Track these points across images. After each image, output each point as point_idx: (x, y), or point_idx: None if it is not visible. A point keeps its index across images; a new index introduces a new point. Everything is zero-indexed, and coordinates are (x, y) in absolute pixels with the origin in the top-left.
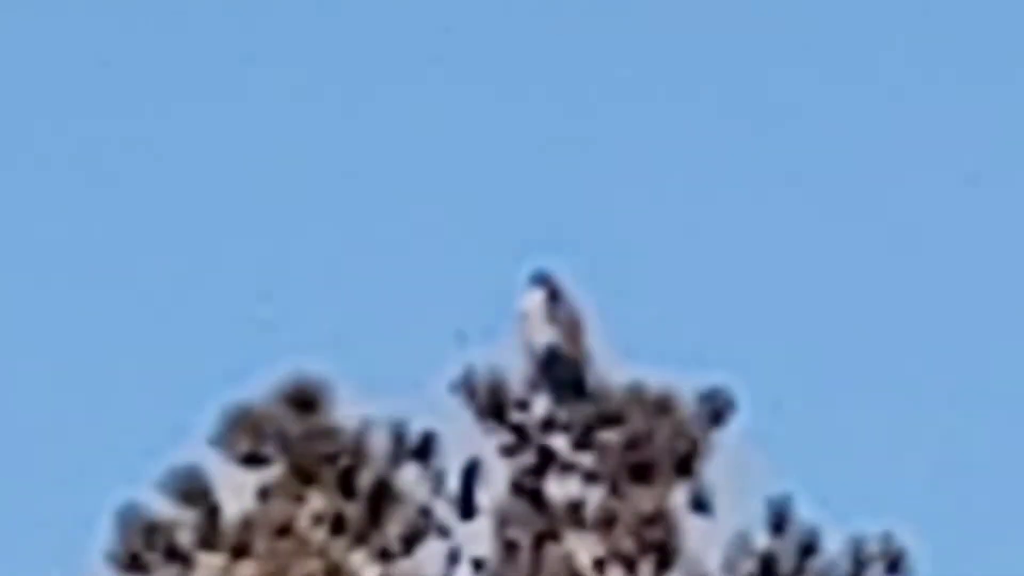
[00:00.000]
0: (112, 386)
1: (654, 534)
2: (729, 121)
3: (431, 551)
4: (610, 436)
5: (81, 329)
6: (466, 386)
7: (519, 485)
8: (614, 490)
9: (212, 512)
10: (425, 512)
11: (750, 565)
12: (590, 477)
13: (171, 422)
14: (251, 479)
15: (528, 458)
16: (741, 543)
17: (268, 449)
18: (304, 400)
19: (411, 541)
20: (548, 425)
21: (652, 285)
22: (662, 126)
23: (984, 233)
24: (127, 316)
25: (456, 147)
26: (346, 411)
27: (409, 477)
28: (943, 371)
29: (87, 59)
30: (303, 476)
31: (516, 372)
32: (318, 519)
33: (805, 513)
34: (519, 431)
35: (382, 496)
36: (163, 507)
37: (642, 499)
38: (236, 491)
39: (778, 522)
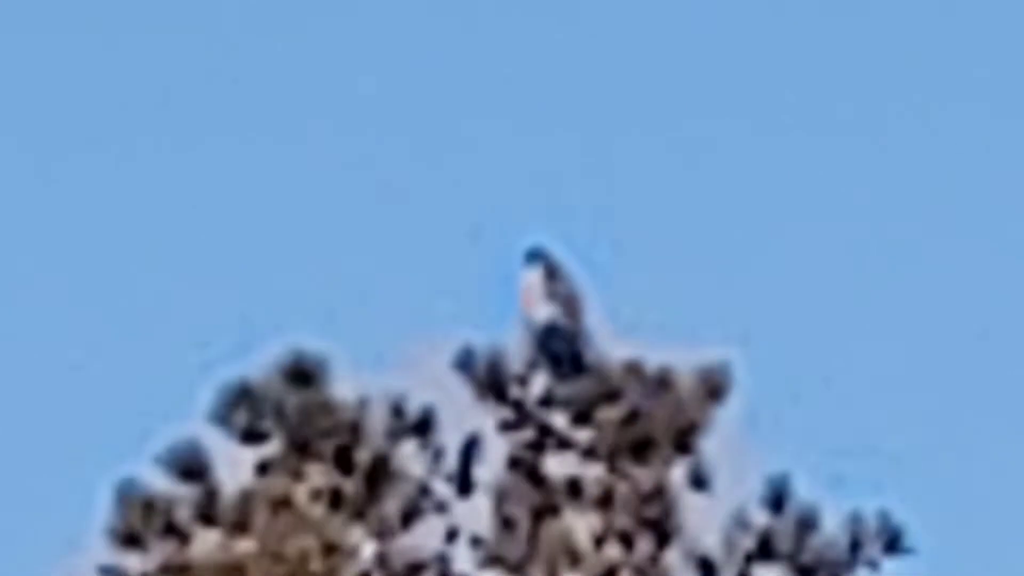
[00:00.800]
0: (111, 362)
1: (652, 511)
2: (726, 94)
3: (429, 527)
4: (609, 412)
5: (80, 305)
6: (465, 362)
7: (517, 461)
8: (612, 467)
9: (210, 488)
10: (423, 488)
11: (748, 542)
12: (589, 453)
13: (170, 398)
14: (249, 455)
15: (527, 434)
16: (739, 520)
17: (266, 425)
18: (303, 376)
19: (409, 517)
20: (547, 401)
21: (651, 261)
22: (659, 98)
23: (977, 209)
24: (126, 292)
25: (454, 121)
26: (345, 387)
27: (407, 453)
28: (942, 350)
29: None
30: (301, 452)
31: (515, 348)
32: (316, 495)
33: (803, 491)
34: (518, 407)
35: (380, 472)
36: (161, 483)
37: (640, 476)
38: (234, 467)
39: (777, 499)
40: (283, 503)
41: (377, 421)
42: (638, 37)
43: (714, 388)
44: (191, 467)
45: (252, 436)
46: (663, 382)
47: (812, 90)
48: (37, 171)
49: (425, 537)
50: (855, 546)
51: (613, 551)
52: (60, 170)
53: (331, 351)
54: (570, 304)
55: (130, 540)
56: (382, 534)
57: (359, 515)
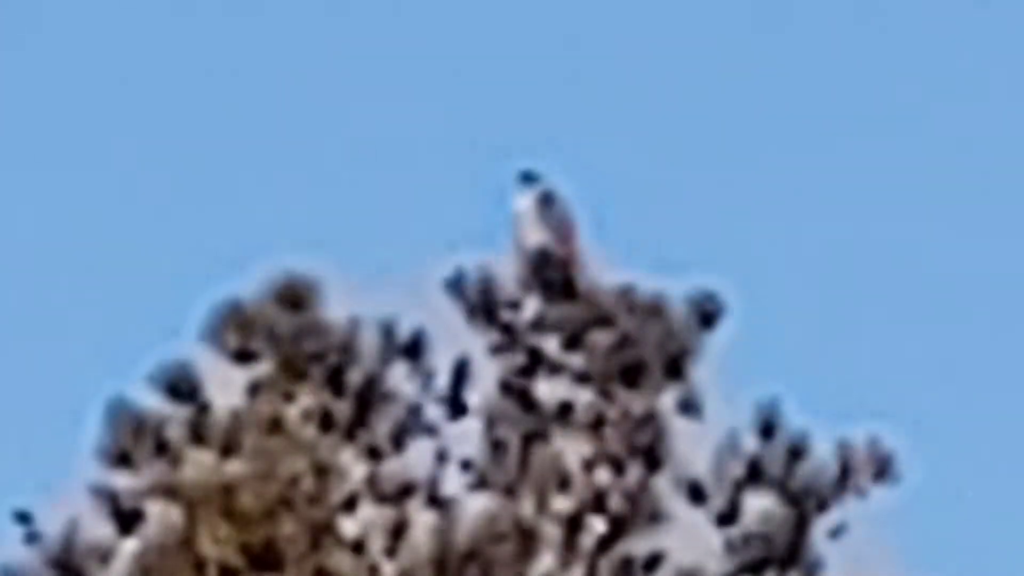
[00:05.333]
0: (103, 282)
1: (643, 436)
2: (731, 23)
3: (420, 449)
4: (600, 338)
5: (74, 224)
6: (457, 285)
7: (508, 385)
8: (603, 392)
9: (202, 408)
10: (414, 410)
11: (738, 468)
12: (580, 378)
13: (162, 318)
14: (241, 376)
15: (518, 358)
16: (730, 446)
17: (258, 346)
18: (295, 298)
19: (400, 439)
20: (538, 326)
21: (644, 189)
22: (657, 27)
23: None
24: (120, 213)
25: (449, 49)
26: (336, 309)
27: (398, 375)
28: (932, 276)
29: None
30: (293, 373)
31: (507, 272)
32: (307, 416)
33: (794, 417)
34: (509, 331)
35: (371, 394)
36: (153, 402)
37: (631, 401)
38: (226, 387)
39: (767, 426)
40: (274, 424)
41: (368, 343)
42: None
43: (705, 315)
44: (182, 387)
45: (243, 357)
46: (655, 309)
47: (806, 26)
48: (34, 100)
49: (415, 459)
50: (845, 473)
51: (603, 476)
52: (50, 93)
53: (323, 273)
54: (563, 230)
55: (121, 459)
56: (373, 456)
57: (350, 436)
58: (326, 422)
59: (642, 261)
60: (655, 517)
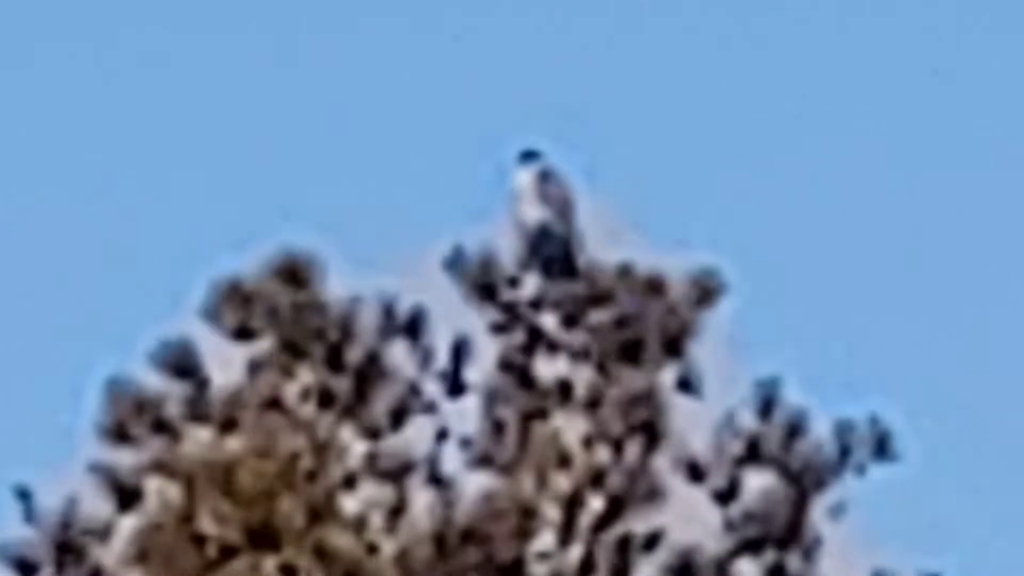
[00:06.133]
0: (103, 258)
1: (642, 414)
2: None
3: (419, 428)
4: (600, 315)
5: (73, 201)
6: (456, 263)
7: (508, 363)
8: (602, 370)
9: (201, 385)
10: (413, 389)
11: (737, 447)
12: (579, 356)
13: (161, 294)
14: (240, 353)
15: (517, 336)
16: (728, 424)
17: (258, 323)
18: (294, 274)
19: (399, 417)
20: (537, 303)
21: (643, 164)
22: (656, 2)
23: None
24: (119, 189)
25: (449, 26)
26: (336, 286)
27: (398, 353)
28: (932, 253)
29: None
30: (292, 350)
31: (507, 250)
32: (306, 394)
33: (793, 395)
34: (509, 309)
35: (370, 372)
36: (152, 380)
37: (630, 379)
38: (225, 365)
39: (766, 404)
40: (273, 402)
41: (368, 321)
42: None
43: (705, 292)
44: (182, 364)
45: (243, 334)
46: (654, 286)
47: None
48: (34, 74)
49: (415, 437)
50: (844, 451)
51: (602, 454)
52: (51, 66)
53: (323, 250)
54: (563, 206)
55: (120, 437)
56: (372, 434)
57: (349, 415)
58: (325, 400)
59: (642, 238)
60: (654, 495)
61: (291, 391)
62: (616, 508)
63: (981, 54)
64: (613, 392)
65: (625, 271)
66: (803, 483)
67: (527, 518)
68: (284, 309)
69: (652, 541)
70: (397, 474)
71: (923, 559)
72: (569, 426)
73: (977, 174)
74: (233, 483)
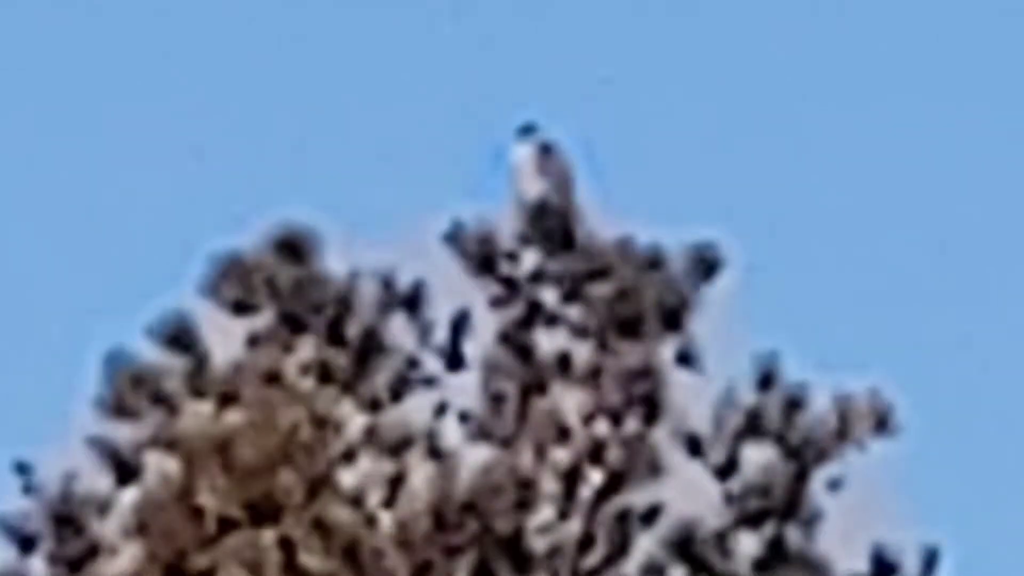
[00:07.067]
0: (102, 233)
1: (641, 388)
2: None
3: (418, 401)
4: (599, 290)
5: (73, 176)
6: (456, 237)
7: (507, 337)
8: (602, 344)
9: (200, 359)
10: (412, 362)
11: (736, 420)
12: (578, 330)
13: (161, 269)
14: (240, 327)
15: (516, 310)
16: (728, 398)
17: (257, 297)
18: (294, 249)
19: (398, 391)
20: (537, 278)
21: (643, 139)
22: None
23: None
24: (120, 162)
25: (448, 2)
26: (336, 261)
27: (397, 327)
28: (931, 228)
29: None
30: (292, 325)
31: (506, 224)
32: (306, 368)
33: (792, 369)
34: (508, 283)
35: (370, 346)
36: (152, 353)
37: (630, 353)
38: (225, 338)
39: (765, 378)
40: (273, 376)
41: (367, 295)
42: None
43: (704, 267)
44: (181, 338)
45: (243, 308)
46: (653, 260)
47: None
48: (35, 42)
49: (414, 411)
50: (844, 425)
51: (601, 428)
52: (51, 48)
53: (323, 225)
54: (562, 181)
55: (119, 411)
56: (371, 408)
57: (348, 388)
58: (325, 374)
59: (641, 212)
60: (653, 469)
61: (290, 365)
62: (615, 482)
63: (969, 36)
64: (612, 366)
65: (624, 245)
66: (803, 457)
67: (526, 491)
68: (284, 283)
69: (651, 515)
70: (396, 448)
71: (922, 532)
72: (568, 400)
73: (978, 147)
74: (232, 457)
